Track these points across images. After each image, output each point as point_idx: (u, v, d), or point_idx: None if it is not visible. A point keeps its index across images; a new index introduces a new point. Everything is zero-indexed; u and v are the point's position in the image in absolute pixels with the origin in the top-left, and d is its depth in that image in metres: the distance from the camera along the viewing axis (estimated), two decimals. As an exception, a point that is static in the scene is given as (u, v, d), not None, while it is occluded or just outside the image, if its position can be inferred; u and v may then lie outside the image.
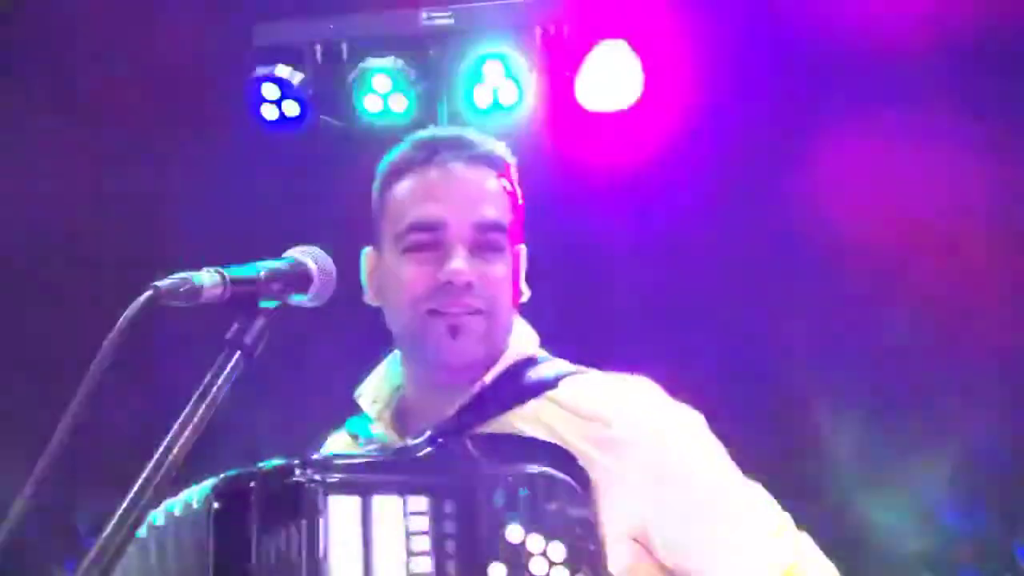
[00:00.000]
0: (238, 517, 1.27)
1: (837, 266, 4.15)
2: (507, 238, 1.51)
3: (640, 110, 3.94)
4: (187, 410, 1.05)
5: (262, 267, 1.16)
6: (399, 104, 4.03)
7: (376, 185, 1.56)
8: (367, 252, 1.59)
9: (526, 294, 1.57)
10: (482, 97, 3.88)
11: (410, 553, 1.22)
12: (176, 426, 1.04)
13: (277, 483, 1.26)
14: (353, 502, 1.22)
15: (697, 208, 4.46)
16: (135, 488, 0.99)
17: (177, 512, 1.38)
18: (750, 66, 4.01)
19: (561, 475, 1.29)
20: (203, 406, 1.05)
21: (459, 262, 1.44)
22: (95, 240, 4.57)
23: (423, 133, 1.60)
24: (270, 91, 4.02)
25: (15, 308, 4.49)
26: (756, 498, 1.43)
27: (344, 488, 1.24)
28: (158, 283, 1.02)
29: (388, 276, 1.51)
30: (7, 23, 4.46)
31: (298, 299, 1.21)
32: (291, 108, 4.06)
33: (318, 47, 4.06)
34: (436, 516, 1.25)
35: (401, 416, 1.55)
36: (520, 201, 1.55)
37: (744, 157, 4.40)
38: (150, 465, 1.01)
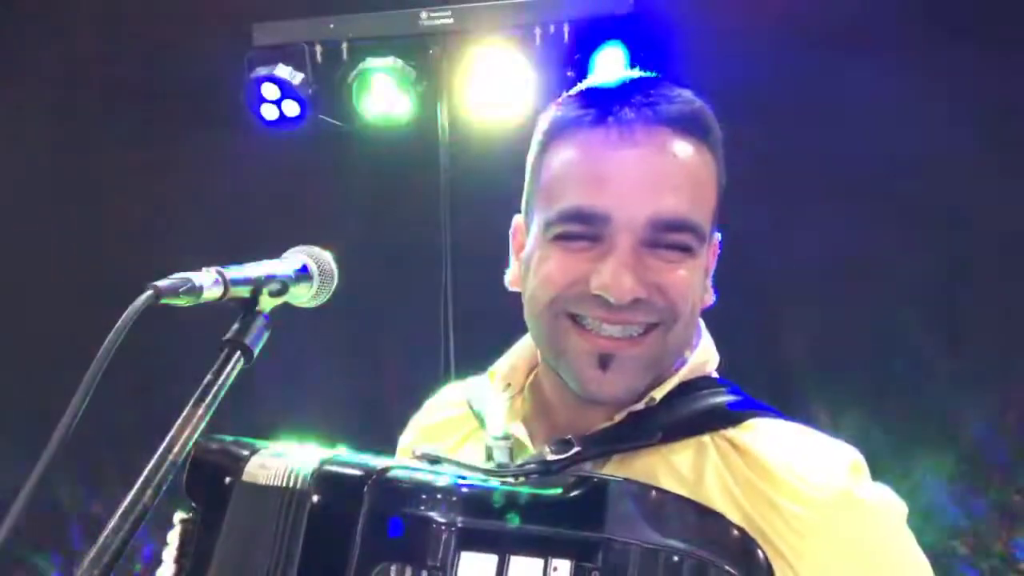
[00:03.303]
0: (337, 526, 1.06)
1: (834, 266, 4.15)
2: (698, 237, 1.13)
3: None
4: (187, 410, 1.05)
5: (261, 267, 1.16)
6: (399, 104, 4.03)
7: (533, 142, 1.21)
8: (516, 220, 1.26)
9: (711, 297, 1.23)
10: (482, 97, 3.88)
11: None
12: (176, 426, 1.03)
13: (396, 501, 1.05)
14: (488, 562, 1.01)
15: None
16: (135, 488, 0.99)
17: (281, 482, 1.14)
18: (750, 67, 4.01)
19: (736, 574, 1.00)
20: (203, 406, 1.05)
21: (618, 272, 1.09)
22: (95, 239, 4.57)
23: (600, 80, 1.20)
24: (270, 91, 4.02)
25: (14, 308, 4.49)
26: None
27: (480, 542, 1.01)
28: (158, 283, 1.02)
29: (530, 262, 1.18)
30: (8, 23, 4.46)
31: (298, 299, 1.20)
32: (291, 108, 4.05)
33: (318, 47, 4.06)
34: None
35: (536, 406, 1.27)
36: (723, 180, 1.19)
37: (743, 158, 4.39)
38: (150, 465, 1.01)
